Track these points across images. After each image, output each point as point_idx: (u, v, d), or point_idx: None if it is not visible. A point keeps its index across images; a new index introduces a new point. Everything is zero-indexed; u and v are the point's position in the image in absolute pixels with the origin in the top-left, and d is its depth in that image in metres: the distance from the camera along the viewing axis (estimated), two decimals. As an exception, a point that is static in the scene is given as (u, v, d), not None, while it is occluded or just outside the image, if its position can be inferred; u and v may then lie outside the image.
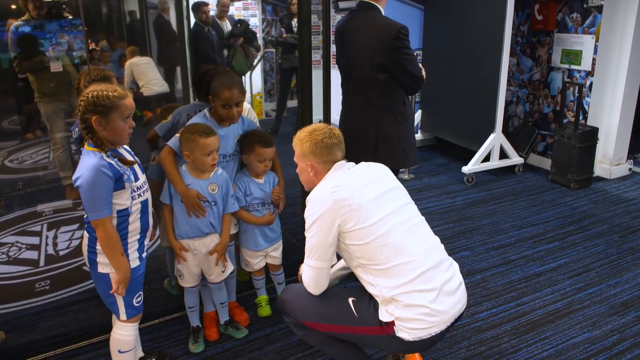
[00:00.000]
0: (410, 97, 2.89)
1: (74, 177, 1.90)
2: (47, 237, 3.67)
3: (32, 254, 3.44)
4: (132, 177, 1.99)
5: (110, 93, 1.89)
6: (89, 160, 1.88)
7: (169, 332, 2.63)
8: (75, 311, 2.81)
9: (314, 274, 1.92)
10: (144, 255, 2.12)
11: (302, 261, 1.99)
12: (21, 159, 4.87)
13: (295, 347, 2.51)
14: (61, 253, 3.46)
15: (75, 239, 3.60)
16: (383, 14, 2.75)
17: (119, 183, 1.93)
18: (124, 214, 1.99)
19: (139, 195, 2.03)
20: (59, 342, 2.56)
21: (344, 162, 2.03)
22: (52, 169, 4.55)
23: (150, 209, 2.13)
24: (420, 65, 2.78)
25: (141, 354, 2.37)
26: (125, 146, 2.08)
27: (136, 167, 2.05)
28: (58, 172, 4.31)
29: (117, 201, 1.95)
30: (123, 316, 2.08)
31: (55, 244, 3.57)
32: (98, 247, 1.98)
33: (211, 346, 2.53)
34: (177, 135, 2.36)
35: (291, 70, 6.19)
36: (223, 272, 2.48)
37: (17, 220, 3.92)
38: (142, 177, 2.07)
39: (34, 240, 3.63)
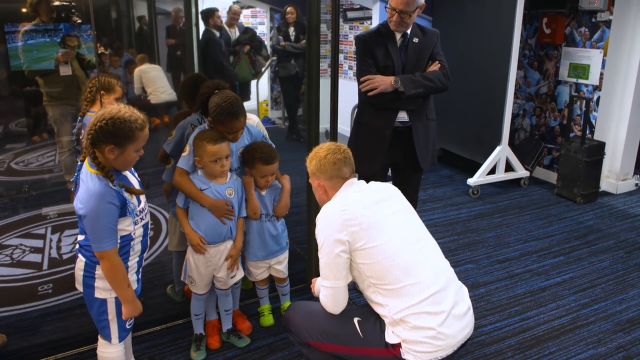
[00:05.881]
0: (374, 103, 2.78)
1: (77, 205, 1.80)
2: (51, 240, 3.67)
3: (35, 257, 3.43)
4: (135, 202, 1.92)
5: (132, 124, 1.79)
6: (94, 187, 1.78)
7: (171, 339, 2.62)
8: (78, 315, 2.80)
9: (331, 293, 1.91)
10: (140, 276, 2.07)
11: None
12: (27, 162, 4.88)
13: (296, 358, 2.49)
14: (65, 257, 3.45)
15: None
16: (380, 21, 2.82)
17: (123, 210, 1.85)
18: (127, 239, 1.93)
19: (142, 219, 1.98)
20: (60, 346, 2.55)
21: (354, 179, 2.01)
22: (57, 172, 4.56)
23: (149, 231, 2.09)
24: (368, 75, 2.72)
25: None
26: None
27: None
28: (63, 175, 4.32)
29: (120, 226, 1.87)
30: (115, 340, 2.01)
31: (59, 248, 3.57)
32: (97, 272, 1.90)
33: (213, 354, 2.51)
34: (184, 154, 2.36)
35: (289, 79, 6.13)
36: (233, 277, 2.48)
37: (22, 223, 3.92)
38: (144, 199, 2.01)
39: (38, 243, 3.63)
